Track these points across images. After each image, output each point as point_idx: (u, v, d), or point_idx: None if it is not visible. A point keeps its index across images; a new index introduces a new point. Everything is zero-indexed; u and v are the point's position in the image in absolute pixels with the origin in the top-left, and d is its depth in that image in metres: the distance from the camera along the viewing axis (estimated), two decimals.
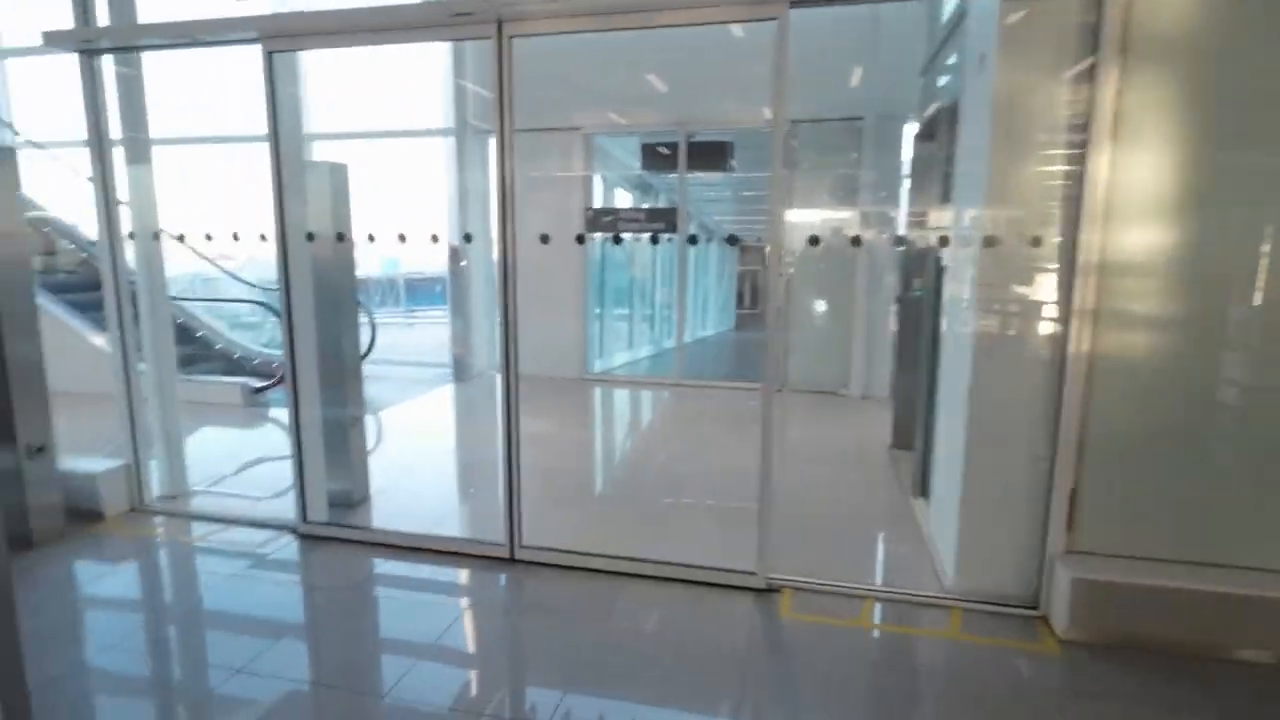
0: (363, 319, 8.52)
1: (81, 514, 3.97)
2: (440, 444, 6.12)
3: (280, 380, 6.73)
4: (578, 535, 3.71)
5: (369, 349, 8.03)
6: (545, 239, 3.80)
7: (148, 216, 4.01)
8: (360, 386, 4.25)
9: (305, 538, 3.77)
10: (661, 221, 7.52)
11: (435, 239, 3.69)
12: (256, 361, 8.09)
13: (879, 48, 6.74)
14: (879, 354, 7.14)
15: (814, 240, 5.21)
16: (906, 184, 6.87)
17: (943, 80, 4.80)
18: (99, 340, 7.00)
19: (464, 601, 3.24)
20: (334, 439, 4.08)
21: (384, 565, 3.48)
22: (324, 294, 3.93)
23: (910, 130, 6.82)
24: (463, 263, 7.90)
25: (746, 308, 20.16)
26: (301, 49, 3.33)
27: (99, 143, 3.75)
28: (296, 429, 3.72)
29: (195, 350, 8.13)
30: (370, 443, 6.00)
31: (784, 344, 7.56)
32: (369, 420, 6.67)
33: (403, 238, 3.88)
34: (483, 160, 8.29)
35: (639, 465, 5.34)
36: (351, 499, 4.18)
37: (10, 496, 3.59)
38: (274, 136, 3.38)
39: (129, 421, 4.05)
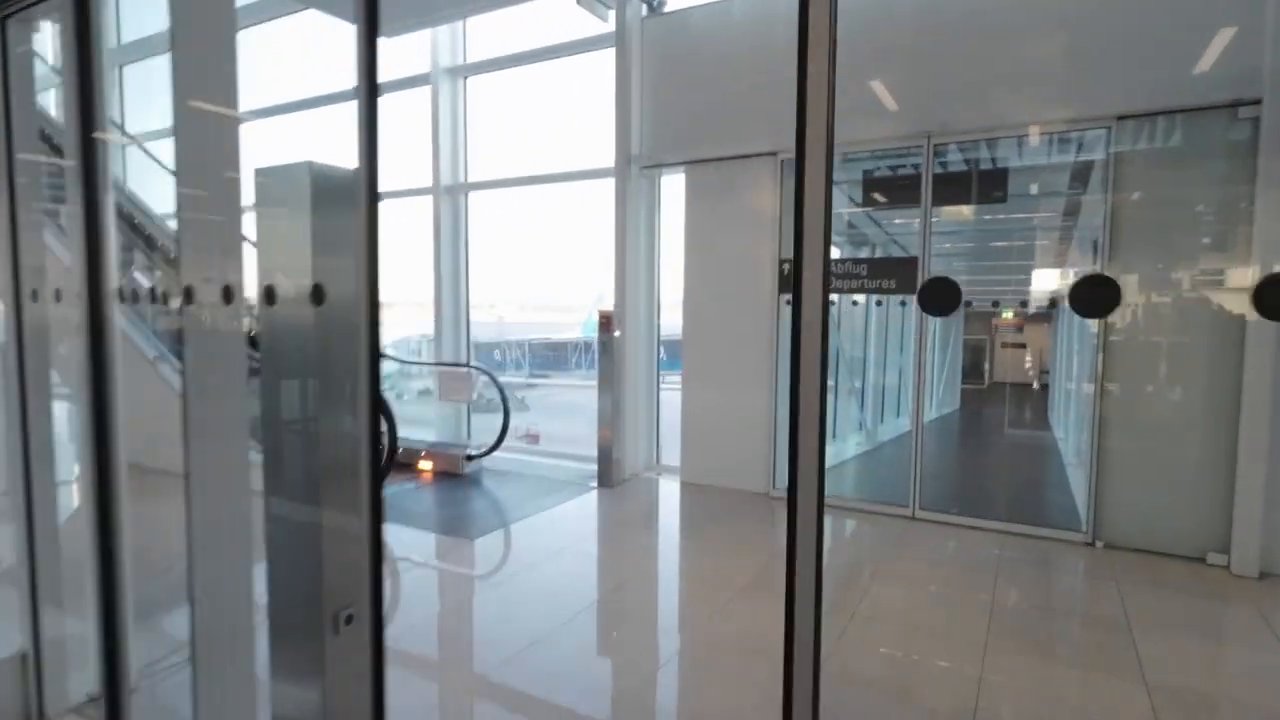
0: (482, 382, 7.06)
1: None
2: (558, 613, 3.87)
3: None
4: None
5: (499, 439, 6.45)
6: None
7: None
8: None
9: None
10: (892, 277, 5.19)
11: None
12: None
13: None
14: None
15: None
16: None
17: None
18: None
19: None
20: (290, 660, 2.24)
21: None
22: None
23: None
24: (616, 332, 6.11)
25: (972, 382, 16.66)
26: None
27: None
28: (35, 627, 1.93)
29: None
30: (478, 590, 4.22)
31: (1094, 462, 4.73)
32: (490, 541, 4.90)
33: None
34: (651, 203, 6.56)
35: None
36: None
37: None
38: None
39: (29, 583, 2.57)
